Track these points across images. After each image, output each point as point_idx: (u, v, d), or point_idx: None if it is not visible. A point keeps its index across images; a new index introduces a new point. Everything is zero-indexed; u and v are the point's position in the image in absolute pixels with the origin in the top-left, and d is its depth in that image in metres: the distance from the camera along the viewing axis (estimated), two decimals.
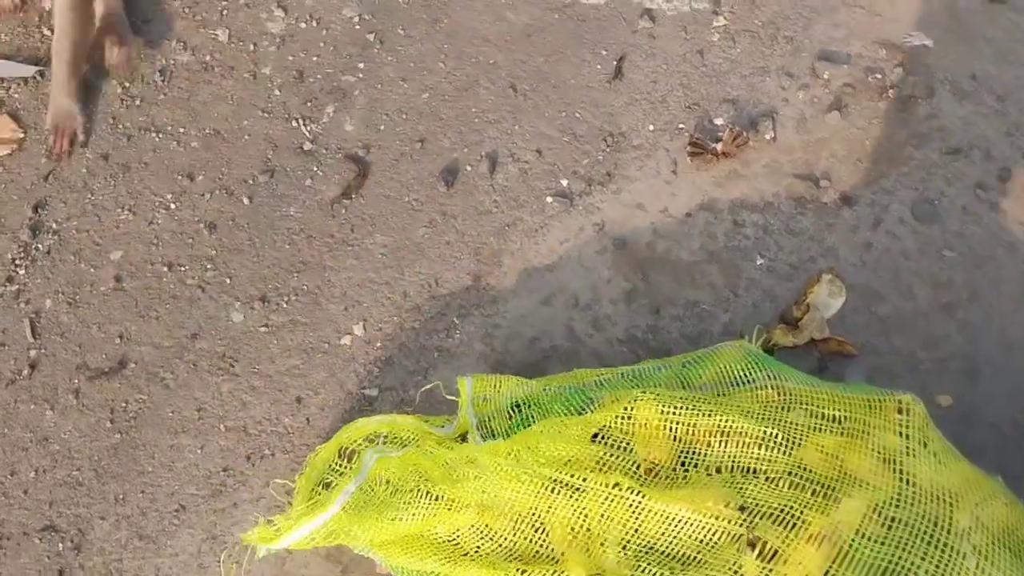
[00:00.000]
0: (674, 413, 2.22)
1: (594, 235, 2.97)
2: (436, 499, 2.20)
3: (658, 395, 2.25)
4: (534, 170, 3.10)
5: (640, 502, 2.08)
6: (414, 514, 2.18)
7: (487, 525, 2.19)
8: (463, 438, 2.49)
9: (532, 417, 2.41)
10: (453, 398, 2.54)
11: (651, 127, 3.16)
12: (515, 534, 2.16)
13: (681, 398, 2.24)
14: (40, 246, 3.03)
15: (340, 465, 2.52)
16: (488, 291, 2.88)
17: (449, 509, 2.21)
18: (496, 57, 3.34)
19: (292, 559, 2.49)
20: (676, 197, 3.02)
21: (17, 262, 2.99)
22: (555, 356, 2.77)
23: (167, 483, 2.62)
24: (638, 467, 2.17)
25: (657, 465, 2.21)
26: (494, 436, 2.43)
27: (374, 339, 2.82)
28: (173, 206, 3.11)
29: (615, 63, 3.29)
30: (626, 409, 2.24)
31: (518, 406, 2.45)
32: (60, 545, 2.53)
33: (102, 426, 2.71)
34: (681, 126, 3.16)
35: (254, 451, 2.66)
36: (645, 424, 2.23)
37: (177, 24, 3.47)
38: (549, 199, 3.03)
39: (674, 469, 2.20)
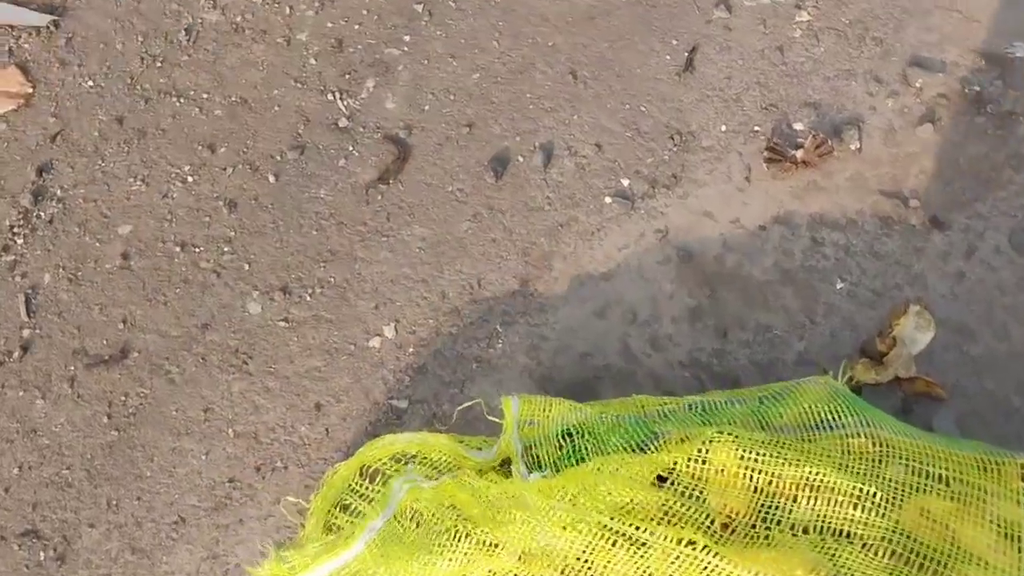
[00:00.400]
0: (755, 459, 1.92)
1: (656, 243, 2.65)
2: (477, 543, 1.89)
3: (737, 437, 1.95)
4: (592, 166, 2.78)
5: (715, 564, 1.77)
6: (451, 559, 1.88)
7: None
8: (504, 464, 2.18)
9: (585, 449, 2.11)
10: (495, 420, 2.23)
11: (723, 127, 2.84)
12: None
13: (763, 442, 1.94)
14: (42, 214, 2.72)
15: (361, 486, 2.22)
16: (536, 298, 2.57)
17: (489, 555, 1.90)
18: (555, 39, 3.02)
19: None
20: (749, 207, 2.70)
21: (15, 230, 2.69)
22: (608, 376, 2.46)
23: (166, 491, 2.32)
24: (712, 521, 1.86)
25: (733, 519, 1.90)
26: (540, 467, 2.13)
27: (406, 343, 2.52)
28: (191, 179, 2.80)
29: (686, 54, 2.97)
30: (700, 451, 1.93)
31: (569, 434, 2.15)
32: (42, 554, 2.23)
33: (98, 421, 2.41)
34: (757, 128, 2.84)
35: (265, 462, 2.36)
36: (721, 470, 1.93)
37: None
38: (608, 199, 2.72)
39: (753, 525, 1.90)
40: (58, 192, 2.78)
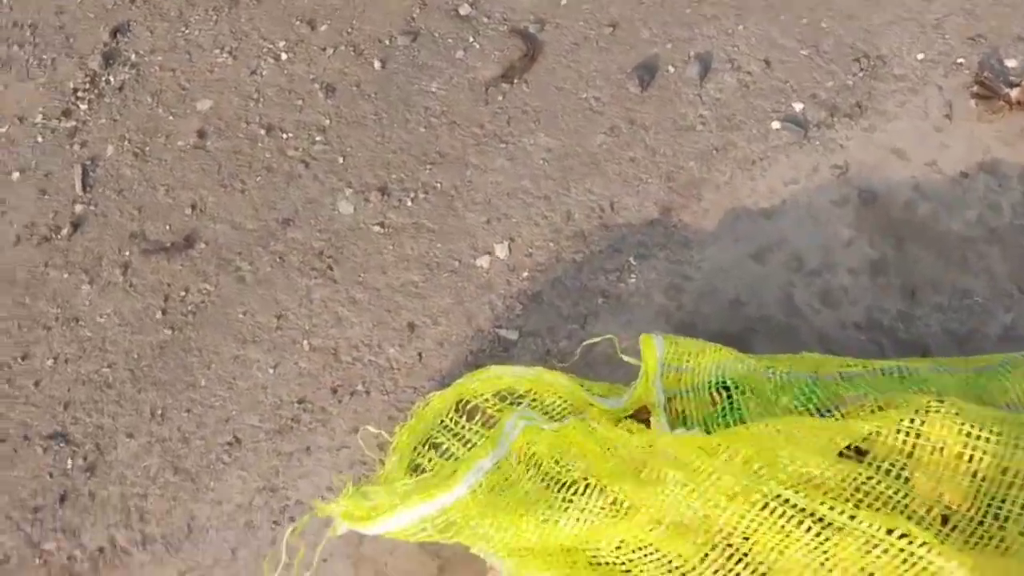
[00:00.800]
0: (984, 439, 1.43)
1: (833, 180, 2.17)
2: (612, 503, 1.43)
3: (960, 410, 1.46)
4: (759, 85, 2.30)
5: (933, 565, 1.30)
6: (577, 519, 1.42)
7: (678, 554, 1.42)
8: (635, 417, 1.73)
9: (746, 408, 1.64)
10: (630, 360, 1.78)
11: (920, 56, 2.34)
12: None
13: (995, 419, 1.45)
14: (112, 79, 2.33)
15: (457, 423, 1.78)
16: (680, 230, 2.10)
17: (624, 518, 1.45)
18: None
19: (375, 541, 1.75)
20: (949, 149, 2.20)
21: (80, 94, 2.30)
22: (763, 330, 1.98)
23: (222, 405, 1.90)
24: (929, 510, 1.38)
25: (952, 511, 1.42)
26: (686, 424, 1.67)
27: (520, 266, 2.07)
28: (285, 56, 2.38)
29: None
30: (911, 422, 1.45)
31: (725, 387, 1.68)
32: (69, 461, 1.84)
33: (150, 316, 2.00)
34: (960, 61, 2.33)
35: (343, 383, 1.93)
36: (940, 448, 1.44)
37: None
38: (776, 124, 2.24)
39: (980, 522, 1.41)
40: (132, 57, 2.38)
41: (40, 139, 2.28)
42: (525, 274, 2.09)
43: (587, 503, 1.48)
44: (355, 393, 1.94)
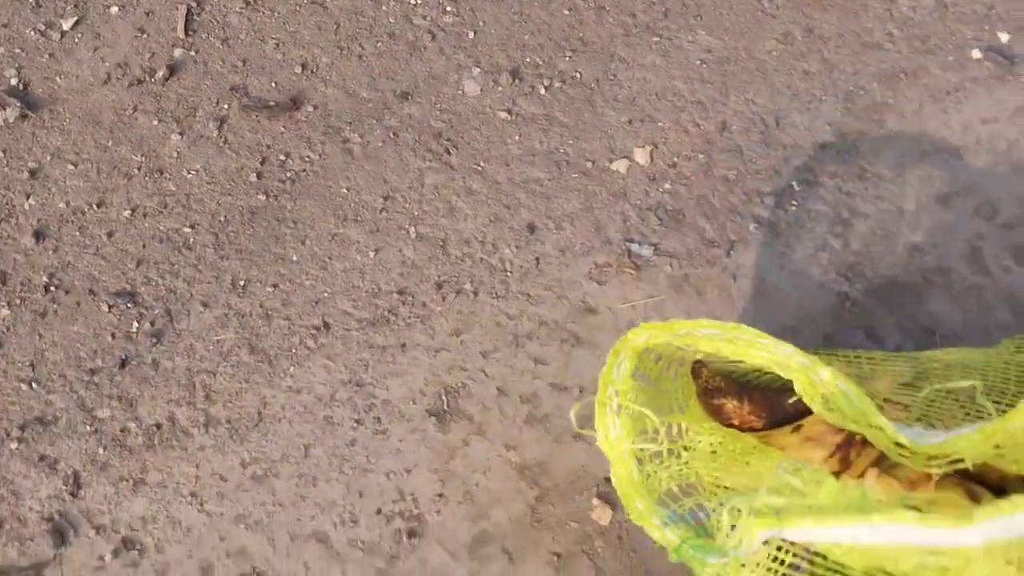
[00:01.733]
0: None
1: None
2: None
3: None
4: (960, 8, 1.95)
5: None
6: None
7: None
8: None
9: None
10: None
11: None
12: None
13: None
14: None
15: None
16: (855, 158, 1.78)
17: None
18: None
19: (466, 456, 1.50)
20: None
21: None
22: (942, 284, 1.66)
23: (313, 286, 1.66)
24: None
25: None
26: None
27: (662, 176, 1.77)
28: None
29: None
30: None
31: None
32: (135, 324, 1.61)
33: (244, 178, 1.76)
34: None
35: (449, 279, 1.67)
36: None
37: None
38: (976, 54, 1.89)
39: None
40: None
41: None
42: (667, 186, 1.80)
43: None
44: (461, 292, 1.68)
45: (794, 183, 1.82)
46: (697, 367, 1.35)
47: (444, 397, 1.58)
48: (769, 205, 1.80)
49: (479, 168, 1.83)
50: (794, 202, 1.80)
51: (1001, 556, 0.91)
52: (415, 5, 2.02)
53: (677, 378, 1.32)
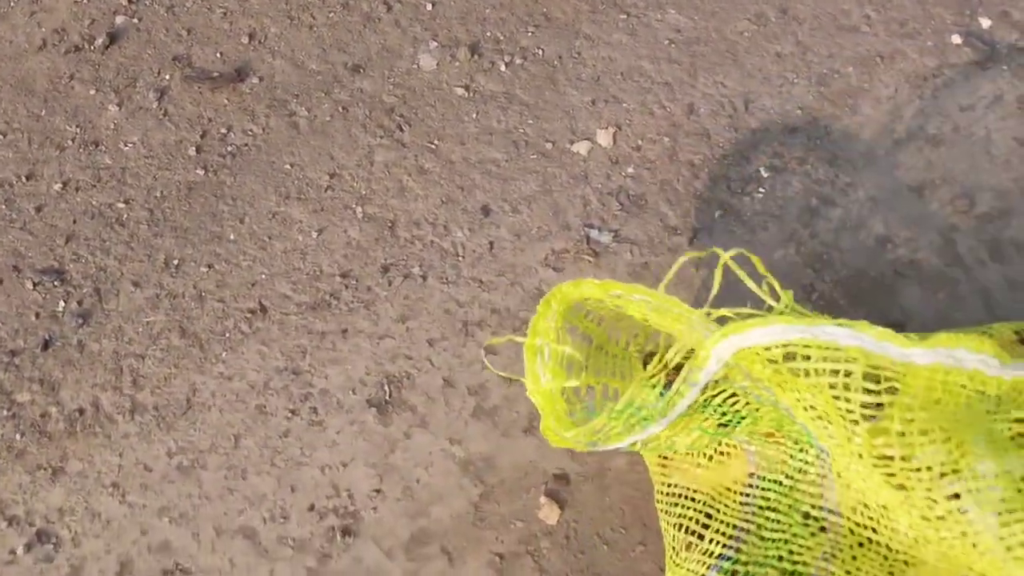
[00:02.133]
0: None
1: (1019, 113, 1.74)
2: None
3: None
4: None
5: None
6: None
7: None
8: None
9: None
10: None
11: None
12: None
13: None
14: None
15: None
16: (826, 144, 1.70)
17: None
18: None
19: (407, 451, 1.41)
20: None
21: None
22: (913, 277, 1.58)
23: (250, 267, 1.56)
24: None
25: None
26: None
27: (625, 159, 1.69)
28: None
29: None
30: None
31: None
32: (61, 304, 1.51)
33: (183, 152, 1.66)
34: None
35: (397, 262, 1.58)
36: None
37: None
38: (956, 39, 1.81)
39: None
40: None
41: None
42: (630, 169, 1.71)
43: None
44: (409, 276, 1.58)
45: (762, 169, 1.74)
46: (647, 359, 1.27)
47: (386, 387, 1.49)
48: (735, 191, 1.71)
49: (433, 146, 1.74)
50: (761, 189, 1.71)
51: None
52: None
53: (624, 350, 1.26)
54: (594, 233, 1.68)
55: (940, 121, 1.78)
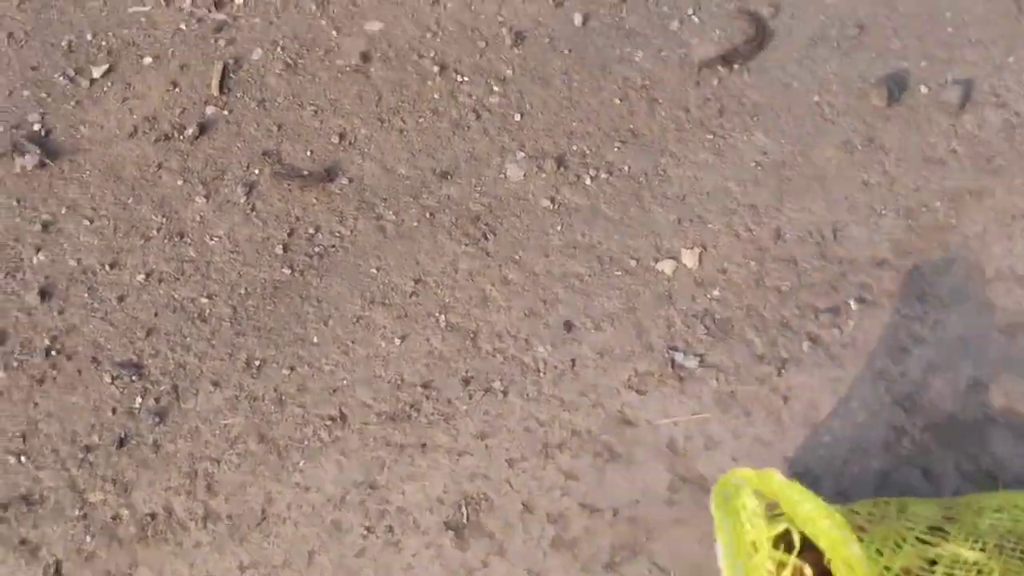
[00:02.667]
0: None
1: None
2: None
3: None
4: None
5: None
6: None
7: None
8: None
9: None
10: None
11: None
12: None
13: None
14: None
15: None
16: (915, 279, 1.68)
17: None
18: None
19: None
20: None
21: None
22: (1007, 425, 1.55)
23: (332, 371, 1.54)
24: None
25: None
26: None
27: (710, 281, 1.67)
28: None
29: None
30: None
31: None
32: (138, 400, 1.49)
33: (269, 249, 1.65)
34: None
35: (477, 375, 1.56)
36: None
37: None
38: None
39: None
40: None
41: (183, 26, 1.96)
42: (715, 292, 1.69)
43: None
44: (490, 391, 1.56)
45: (851, 301, 1.71)
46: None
47: (464, 508, 1.45)
48: (824, 323, 1.68)
49: (517, 257, 1.73)
50: (850, 321, 1.69)
51: None
52: (462, 82, 1.94)
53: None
54: (679, 356, 1.65)
55: None
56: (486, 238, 1.75)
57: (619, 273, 1.74)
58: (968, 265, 1.76)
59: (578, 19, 2.04)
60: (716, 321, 1.69)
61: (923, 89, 1.98)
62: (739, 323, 1.69)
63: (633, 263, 1.75)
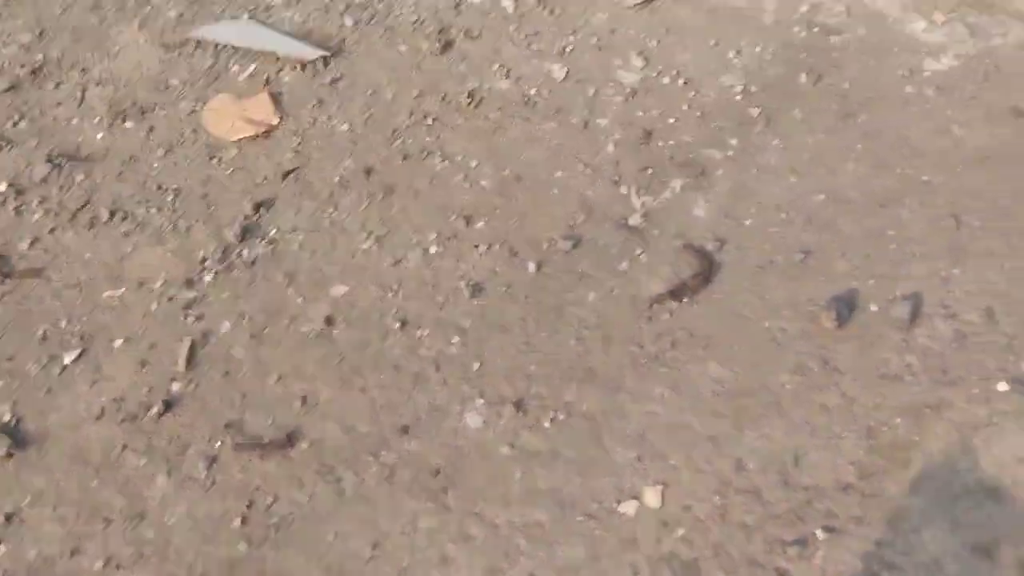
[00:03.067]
0: None
1: None
2: None
3: None
4: (980, 338, 1.90)
5: None
6: None
7: None
8: None
9: None
10: None
11: None
12: None
13: None
14: (245, 253, 2.14)
15: None
16: (882, 502, 1.68)
17: None
18: (932, 176, 2.23)
19: None
20: None
21: (207, 264, 2.11)
22: None
23: None
24: None
25: None
26: None
27: (675, 520, 1.66)
28: (434, 250, 2.15)
29: None
30: None
31: None
32: None
33: (227, 523, 1.68)
34: None
35: None
36: None
37: (506, 48, 2.63)
38: (1003, 386, 1.81)
39: None
40: (272, 232, 2.20)
41: (155, 306, 2.07)
42: (680, 532, 1.68)
43: None
44: None
45: (817, 531, 1.68)
46: None
47: None
48: (791, 556, 1.65)
49: (477, 509, 1.73)
50: (819, 552, 1.65)
51: None
52: (422, 336, 2.01)
53: None
54: None
55: (998, 473, 1.73)
56: (446, 492, 1.76)
57: (581, 518, 1.73)
58: (935, 482, 1.73)
59: (532, 267, 2.13)
60: (683, 563, 1.66)
61: (873, 307, 2.02)
62: (707, 564, 1.66)
63: (595, 506, 1.74)
